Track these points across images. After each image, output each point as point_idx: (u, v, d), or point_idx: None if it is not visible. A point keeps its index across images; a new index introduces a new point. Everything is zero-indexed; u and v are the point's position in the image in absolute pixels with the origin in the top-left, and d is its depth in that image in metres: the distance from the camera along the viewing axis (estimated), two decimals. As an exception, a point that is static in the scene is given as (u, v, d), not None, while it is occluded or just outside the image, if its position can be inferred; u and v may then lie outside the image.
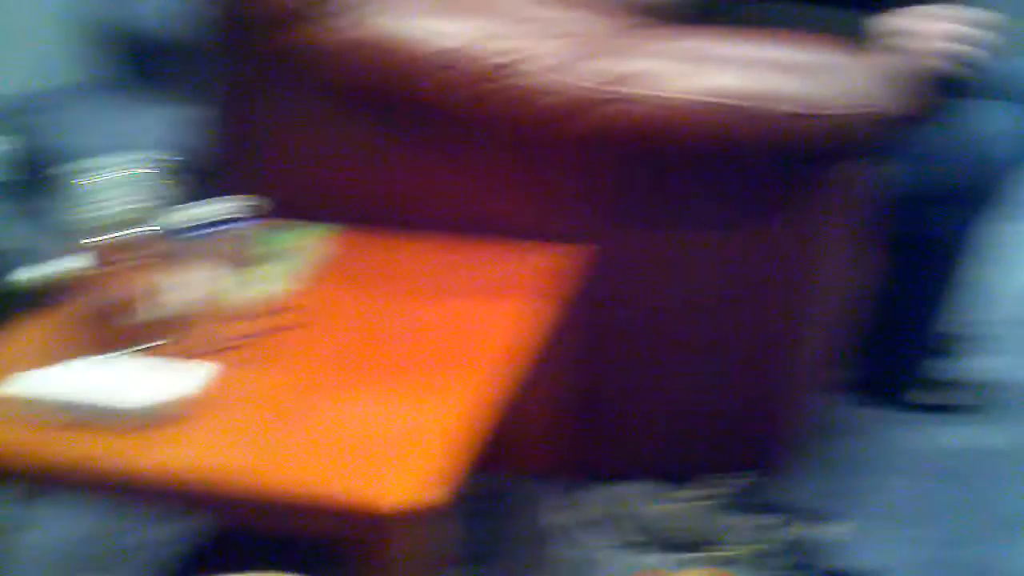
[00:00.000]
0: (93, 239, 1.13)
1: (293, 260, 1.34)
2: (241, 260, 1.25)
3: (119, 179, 1.14)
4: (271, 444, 1.02)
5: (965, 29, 1.56)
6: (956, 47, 1.55)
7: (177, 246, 1.19)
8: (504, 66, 1.38)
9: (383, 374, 1.15)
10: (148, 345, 1.15)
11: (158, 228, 1.16)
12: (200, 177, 1.48)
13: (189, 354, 1.12)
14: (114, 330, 1.15)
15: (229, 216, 1.24)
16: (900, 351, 1.92)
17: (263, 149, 1.52)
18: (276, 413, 1.07)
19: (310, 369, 1.15)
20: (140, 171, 1.15)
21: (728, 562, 1.42)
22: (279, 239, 1.35)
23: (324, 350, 1.18)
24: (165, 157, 1.22)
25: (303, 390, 1.11)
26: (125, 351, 1.13)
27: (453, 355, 1.18)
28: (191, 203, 1.25)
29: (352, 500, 0.93)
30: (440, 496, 0.93)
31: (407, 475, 0.95)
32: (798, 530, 1.49)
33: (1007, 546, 1.64)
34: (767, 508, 1.50)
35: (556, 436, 1.47)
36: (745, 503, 1.50)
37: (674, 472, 1.52)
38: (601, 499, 1.50)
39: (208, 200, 1.26)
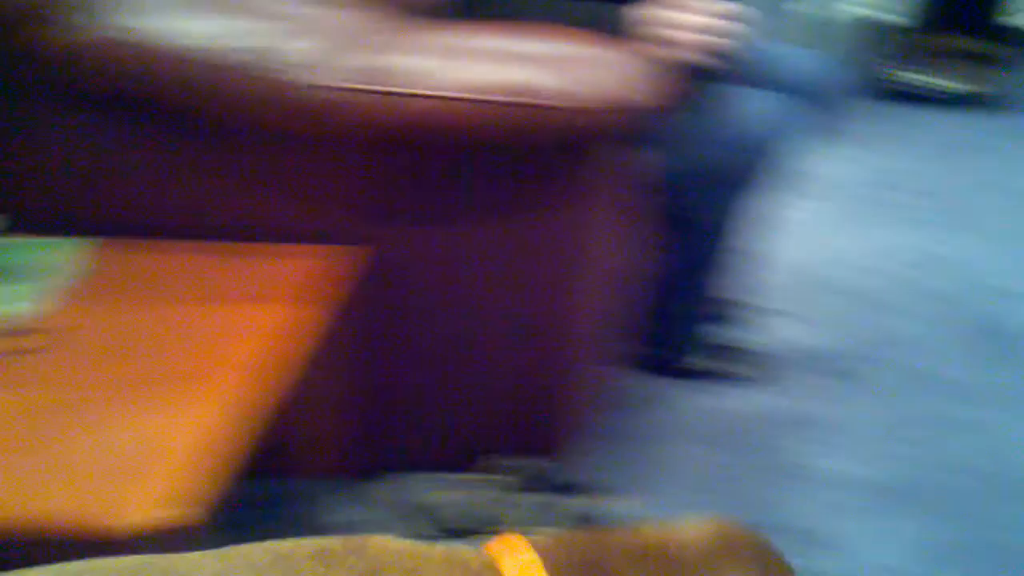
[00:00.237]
0: None
1: (43, 277, 1.27)
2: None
3: None
4: (6, 472, 0.96)
5: (717, 18, 1.62)
6: (709, 36, 1.61)
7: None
8: (256, 64, 1.34)
9: (135, 390, 1.09)
10: None
11: None
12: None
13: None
14: None
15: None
16: (680, 323, 1.98)
17: (7, 159, 1.44)
18: (13, 439, 1.01)
19: (56, 391, 1.08)
20: None
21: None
22: (27, 255, 1.28)
23: (74, 370, 1.12)
24: None
25: (47, 413, 1.05)
26: None
27: (211, 366, 1.13)
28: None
29: (93, 524, 0.89)
30: (189, 511, 0.90)
31: (153, 493, 0.91)
32: (587, 506, 1.51)
33: (789, 498, 1.72)
34: (556, 487, 1.52)
35: (341, 434, 1.45)
36: (534, 484, 1.51)
37: (463, 459, 1.52)
38: (390, 492, 1.49)
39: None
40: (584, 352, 1.61)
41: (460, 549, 0.79)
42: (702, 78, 1.67)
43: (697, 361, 2.01)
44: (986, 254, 2.62)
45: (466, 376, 1.53)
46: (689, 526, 0.83)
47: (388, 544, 0.75)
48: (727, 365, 2.03)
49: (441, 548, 0.78)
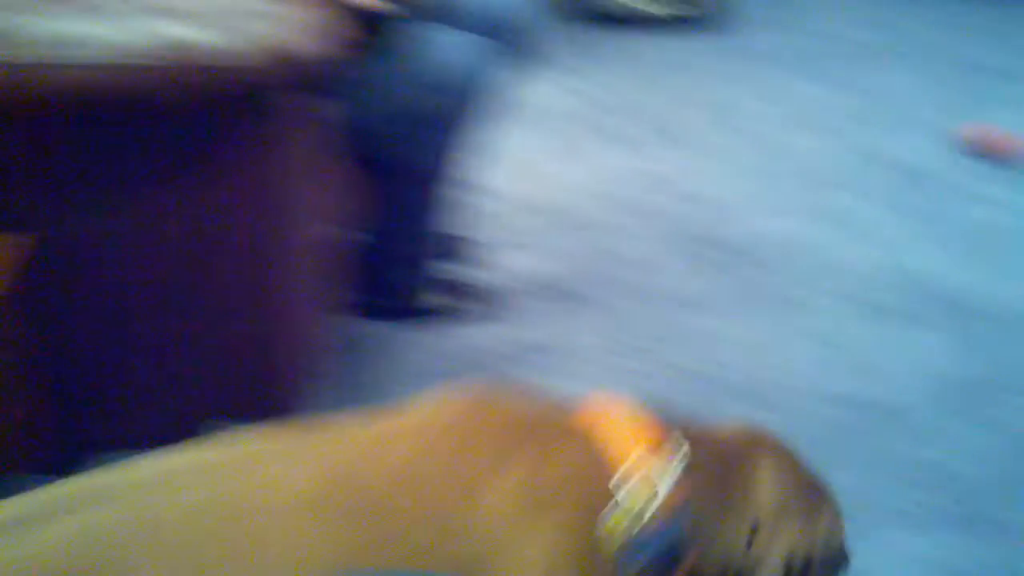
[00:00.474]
0: None
1: None
2: None
3: None
4: None
5: None
6: None
7: None
8: None
9: None
10: None
11: None
12: None
13: None
14: None
15: None
16: (406, 266, 1.95)
17: None
18: None
19: None
20: None
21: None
22: None
23: None
24: None
25: None
26: None
27: None
28: None
29: None
30: None
31: None
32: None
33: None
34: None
35: (32, 427, 1.34)
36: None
37: (188, 430, 1.44)
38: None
39: None
40: (304, 306, 1.56)
41: (564, 411, 0.90)
42: (385, 22, 1.62)
43: (428, 301, 1.99)
44: (699, 169, 2.73)
45: (177, 347, 1.44)
46: (724, 426, 0.97)
47: (504, 409, 0.88)
48: (459, 302, 2.02)
49: (543, 410, 0.89)
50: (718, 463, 0.91)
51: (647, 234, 2.40)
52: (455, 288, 2.02)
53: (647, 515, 0.82)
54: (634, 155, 2.79)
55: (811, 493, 0.97)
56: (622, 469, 0.83)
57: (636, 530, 0.81)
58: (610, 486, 0.82)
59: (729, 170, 2.73)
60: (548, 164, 2.70)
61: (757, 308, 2.14)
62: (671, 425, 0.91)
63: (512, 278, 2.16)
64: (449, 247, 2.03)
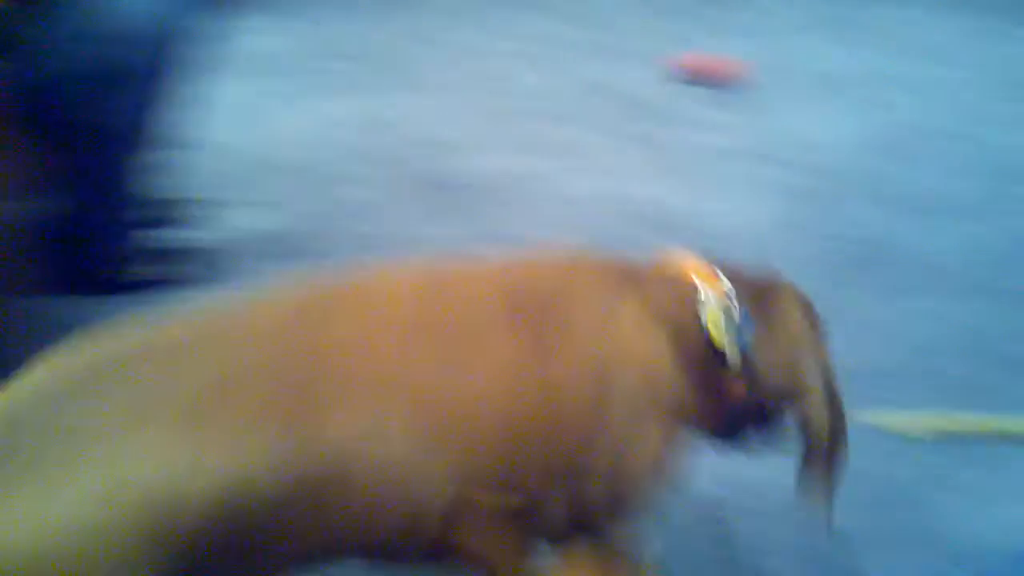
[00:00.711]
0: None
1: None
2: None
3: None
4: None
5: None
6: None
7: None
8: None
9: None
10: None
11: None
12: None
13: None
14: None
15: None
16: (112, 234, 1.81)
17: None
18: None
19: None
20: None
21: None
22: None
23: None
24: None
25: None
26: None
27: None
28: None
29: None
30: None
31: None
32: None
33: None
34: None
35: None
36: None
37: None
38: None
39: None
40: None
41: (644, 259, 1.12)
42: None
43: (140, 271, 1.85)
44: (427, 110, 2.69)
45: None
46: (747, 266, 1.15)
47: (605, 257, 1.09)
48: (175, 268, 1.89)
49: (631, 259, 1.11)
50: (753, 289, 1.12)
51: (374, 180, 2.34)
52: (170, 254, 1.90)
53: (733, 311, 1.08)
54: (357, 99, 2.71)
55: (821, 327, 1.16)
56: (701, 288, 1.08)
57: (730, 322, 1.07)
58: (699, 298, 1.08)
59: (457, 110, 2.70)
60: (268, 113, 2.59)
61: (489, 247, 2.12)
62: (712, 264, 1.13)
63: (234, 237, 2.05)
64: (160, 210, 1.90)
